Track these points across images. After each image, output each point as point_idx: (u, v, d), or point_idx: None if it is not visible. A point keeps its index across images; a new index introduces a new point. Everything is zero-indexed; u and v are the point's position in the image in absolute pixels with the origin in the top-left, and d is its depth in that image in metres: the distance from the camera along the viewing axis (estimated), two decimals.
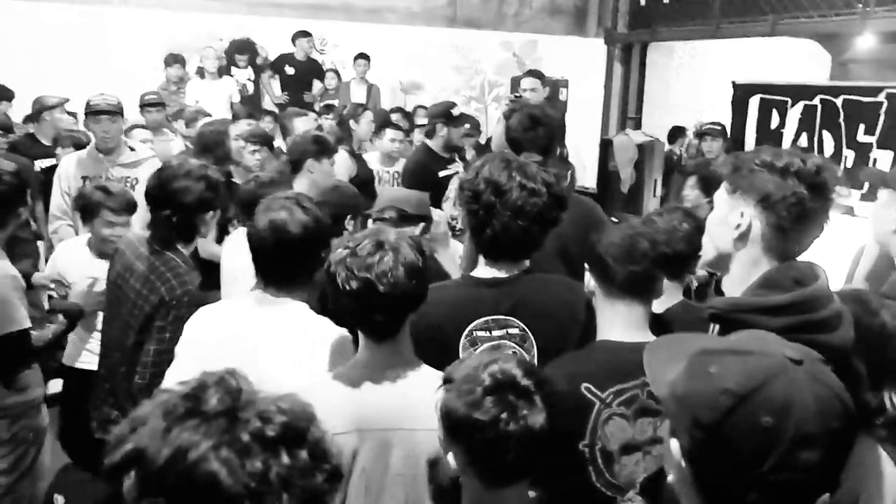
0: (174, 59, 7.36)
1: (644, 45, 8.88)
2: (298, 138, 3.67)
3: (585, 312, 1.96)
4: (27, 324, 2.58)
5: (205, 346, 1.97)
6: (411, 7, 8.63)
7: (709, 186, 4.63)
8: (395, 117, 6.91)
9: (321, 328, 1.95)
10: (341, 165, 4.68)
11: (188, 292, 2.38)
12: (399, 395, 1.65)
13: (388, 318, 1.64)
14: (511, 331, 1.95)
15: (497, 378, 1.39)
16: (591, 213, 2.76)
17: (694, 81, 8.68)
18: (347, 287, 1.58)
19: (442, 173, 4.19)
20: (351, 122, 5.40)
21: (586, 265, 1.91)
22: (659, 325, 1.92)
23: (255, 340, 1.91)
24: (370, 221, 2.82)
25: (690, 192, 4.65)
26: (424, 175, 4.11)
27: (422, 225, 2.74)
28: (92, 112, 3.76)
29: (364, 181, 4.57)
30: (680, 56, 8.69)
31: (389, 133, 5.13)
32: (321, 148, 3.39)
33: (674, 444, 1.02)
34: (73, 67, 6.95)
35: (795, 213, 1.45)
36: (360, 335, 1.71)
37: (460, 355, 1.92)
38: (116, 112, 3.81)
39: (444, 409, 1.42)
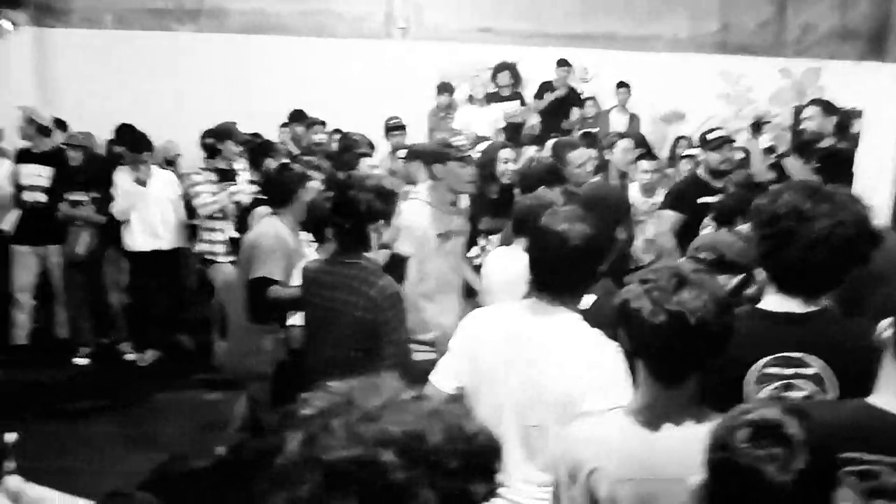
0: (444, 88, 7.85)
1: None
2: (534, 165, 3.89)
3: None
4: (274, 276, 3.22)
5: (481, 344, 2.05)
6: (678, 34, 8.32)
7: None
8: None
9: (598, 341, 1.93)
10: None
11: (396, 291, 2.66)
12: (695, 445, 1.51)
13: (692, 355, 1.53)
14: (805, 370, 1.73)
15: (758, 423, 1.23)
16: None
17: None
18: (655, 321, 1.49)
19: (700, 200, 4.04)
20: (606, 151, 5.32)
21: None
22: None
23: (533, 346, 1.95)
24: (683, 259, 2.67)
25: None
26: (683, 199, 4.08)
27: (739, 277, 2.48)
28: None
29: None
30: None
31: (643, 164, 5.12)
32: (555, 178, 3.53)
33: None
34: (355, 97, 7.71)
35: None
36: (648, 376, 1.60)
37: (745, 391, 1.75)
38: None
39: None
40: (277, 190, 3.73)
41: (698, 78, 8.11)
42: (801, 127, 4.72)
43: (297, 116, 6.94)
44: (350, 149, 5.08)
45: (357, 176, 3.52)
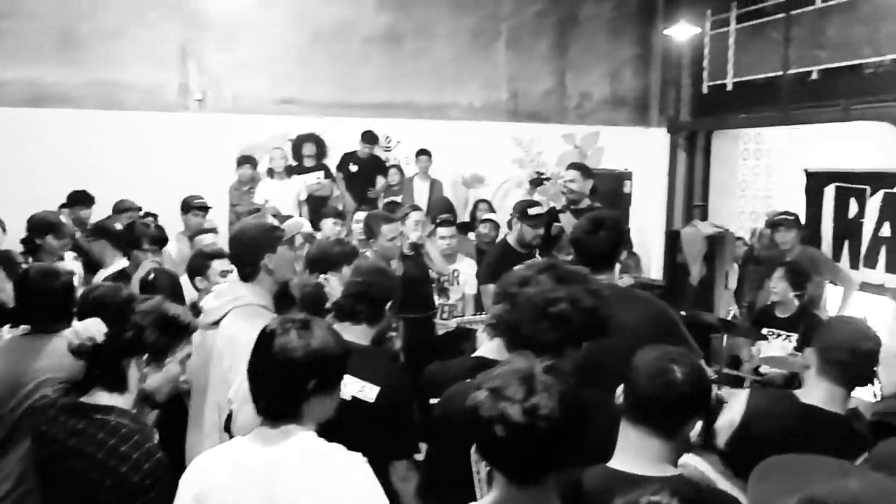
0: (245, 160, 7.66)
1: (709, 133, 8.78)
2: (325, 242, 3.79)
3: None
4: None
5: (209, 490, 1.75)
6: (473, 103, 8.83)
7: (798, 280, 4.43)
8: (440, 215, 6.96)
9: (340, 459, 1.76)
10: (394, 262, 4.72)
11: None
12: None
13: (545, 461, 1.51)
14: None
15: None
16: (661, 314, 2.65)
17: (762, 168, 8.47)
18: (503, 434, 1.47)
19: (517, 268, 4.18)
20: (398, 223, 5.38)
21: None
22: None
23: (268, 484, 1.71)
24: None
25: (778, 283, 4.45)
26: (500, 269, 4.16)
27: None
28: None
29: (414, 282, 4.60)
30: (745, 142, 8.53)
31: (441, 231, 5.22)
32: (348, 253, 3.45)
33: None
34: (149, 171, 7.33)
35: None
36: (499, 477, 1.56)
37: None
38: None
39: None
40: None
41: (493, 143, 8.63)
42: (565, 188, 5.06)
43: (78, 198, 6.40)
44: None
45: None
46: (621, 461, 1.74)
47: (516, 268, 2.13)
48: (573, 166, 5.31)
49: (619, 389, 1.81)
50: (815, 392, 2.31)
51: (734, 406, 2.41)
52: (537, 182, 5.36)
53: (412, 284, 4.50)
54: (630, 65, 9.14)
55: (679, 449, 1.77)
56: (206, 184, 7.39)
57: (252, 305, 2.73)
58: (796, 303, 4.46)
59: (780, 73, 7.03)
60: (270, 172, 7.63)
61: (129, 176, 7.17)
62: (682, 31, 7.95)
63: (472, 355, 2.48)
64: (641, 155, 8.69)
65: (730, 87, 7.87)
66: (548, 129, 8.90)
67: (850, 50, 6.29)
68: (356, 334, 2.61)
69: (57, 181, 6.67)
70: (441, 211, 6.99)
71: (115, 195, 6.43)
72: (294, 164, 7.90)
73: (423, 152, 8.10)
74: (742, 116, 7.86)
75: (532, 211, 4.57)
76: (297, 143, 8.04)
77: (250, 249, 2.85)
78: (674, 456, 1.76)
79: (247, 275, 2.85)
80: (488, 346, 2.37)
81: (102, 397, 1.96)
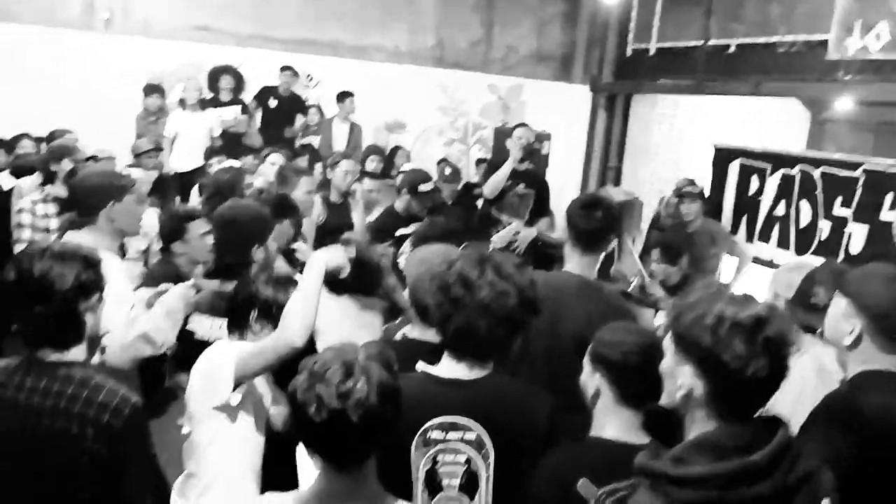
0: (153, 89, 7.24)
1: (628, 96, 8.94)
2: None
3: (548, 422, 1.91)
4: None
5: None
6: (399, 46, 8.64)
7: (671, 255, 4.61)
8: (371, 164, 6.89)
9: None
10: (313, 212, 4.68)
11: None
12: None
13: (360, 446, 1.55)
14: (467, 435, 1.88)
15: None
16: (616, 306, 2.61)
17: (675, 134, 8.73)
18: (318, 419, 1.49)
19: (398, 232, 4.47)
20: (328, 170, 5.35)
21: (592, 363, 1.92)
22: None
23: None
24: None
25: (657, 266, 4.62)
26: (383, 231, 4.53)
27: None
28: None
29: (333, 229, 4.61)
30: (662, 109, 8.75)
31: (366, 183, 5.24)
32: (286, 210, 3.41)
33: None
34: (49, 95, 6.85)
35: None
36: (321, 462, 1.59)
37: (412, 455, 1.85)
38: None
39: None
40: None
41: (417, 89, 8.51)
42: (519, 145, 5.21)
43: None
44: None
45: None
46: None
47: (437, 250, 2.09)
48: (523, 125, 5.49)
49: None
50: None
51: None
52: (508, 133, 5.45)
53: (335, 234, 4.54)
54: (557, 21, 9.13)
55: None
56: (111, 111, 7.02)
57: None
58: (678, 274, 4.62)
59: (700, 43, 7.19)
60: (182, 103, 7.22)
61: (21, 100, 6.67)
62: None
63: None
64: (563, 111, 8.79)
65: (652, 52, 8.00)
66: (473, 78, 8.84)
67: (766, 27, 6.49)
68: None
69: None
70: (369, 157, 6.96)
71: (4, 121, 5.99)
72: (209, 96, 7.54)
73: (346, 94, 7.87)
74: (660, 82, 8.03)
75: (422, 188, 4.67)
76: (214, 75, 7.65)
77: (93, 195, 2.75)
78: None
79: (83, 223, 2.76)
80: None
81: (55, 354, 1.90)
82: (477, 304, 1.84)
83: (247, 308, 2.41)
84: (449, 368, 1.93)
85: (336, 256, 2.24)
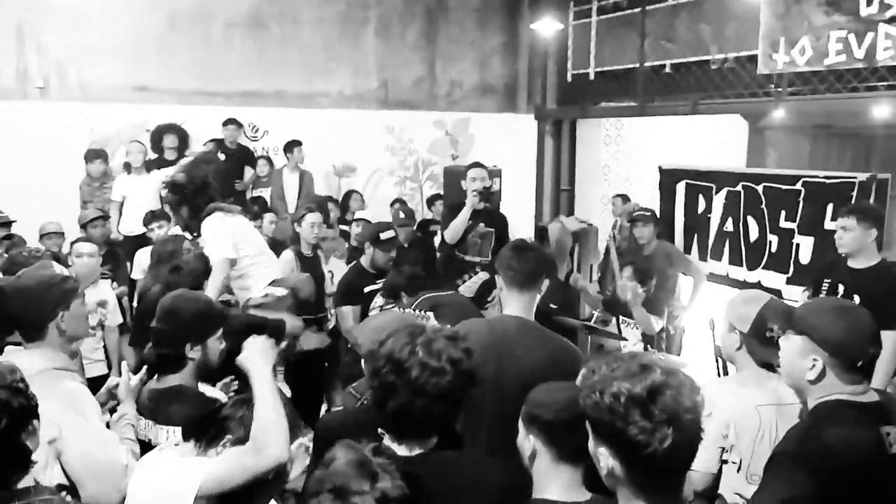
0: (95, 155, 7.09)
1: (573, 121, 9.10)
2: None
3: (497, 490, 1.85)
4: None
5: None
6: (343, 90, 8.67)
7: (643, 277, 4.70)
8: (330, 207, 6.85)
9: None
10: (286, 265, 4.64)
11: None
12: None
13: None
14: None
15: None
16: (566, 353, 2.61)
17: (622, 153, 8.91)
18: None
19: (367, 289, 4.61)
20: (295, 225, 5.22)
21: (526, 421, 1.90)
22: None
23: None
24: None
25: (627, 283, 4.68)
26: (352, 290, 4.65)
27: None
28: None
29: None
30: (606, 131, 8.94)
31: (309, 218, 4.97)
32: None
33: None
34: None
35: None
36: None
37: None
38: None
39: None
40: None
41: (364, 132, 8.53)
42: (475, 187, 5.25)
43: None
44: None
45: None
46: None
47: (390, 320, 2.04)
48: (479, 165, 5.51)
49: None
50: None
51: None
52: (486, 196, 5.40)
53: None
54: (498, 53, 9.27)
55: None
56: (54, 179, 6.88)
57: (47, 371, 2.28)
58: (643, 294, 4.71)
59: (637, 65, 7.37)
60: (127, 167, 7.12)
61: None
62: (546, 26, 8.16)
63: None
64: (511, 141, 8.90)
65: (592, 77, 8.17)
66: (419, 117, 8.89)
67: (698, 46, 6.68)
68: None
69: None
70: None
71: None
72: (154, 157, 7.43)
73: (294, 143, 7.80)
74: (602, 106, 8.20)
75: (384, 236, 4.73)
76: (157, 134, 7.56)
77: (37, 307, 2.36)
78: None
79: (31, 337, 2.37)
80: None
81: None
82: (409, 387, 1.77)
83: (217, 431, 2.08)
84: (396, 449, 1.84)
85: (267, 345, 2.17)
